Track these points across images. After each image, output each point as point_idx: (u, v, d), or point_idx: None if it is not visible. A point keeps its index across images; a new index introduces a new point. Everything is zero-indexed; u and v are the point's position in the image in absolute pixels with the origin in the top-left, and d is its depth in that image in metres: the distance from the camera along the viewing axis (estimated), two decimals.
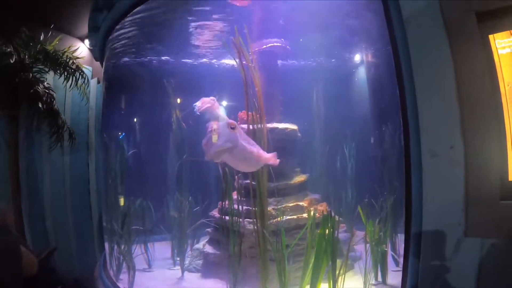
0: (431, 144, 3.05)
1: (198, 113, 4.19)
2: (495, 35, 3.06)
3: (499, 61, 3.04)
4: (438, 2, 3.07)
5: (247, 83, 4.29)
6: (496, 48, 3.06)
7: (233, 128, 3.97)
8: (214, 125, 3.82)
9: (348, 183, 6.83)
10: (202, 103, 4.32)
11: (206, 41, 6.38)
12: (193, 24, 5.74)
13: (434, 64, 3.09)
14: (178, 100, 6.48)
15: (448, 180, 3.01)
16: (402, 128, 3.24)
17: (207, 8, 5.30)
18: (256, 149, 4.19)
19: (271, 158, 4.21)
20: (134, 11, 5.10)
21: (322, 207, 5.37)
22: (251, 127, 4.43)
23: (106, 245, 5.96)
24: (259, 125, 4.41)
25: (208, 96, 4.18)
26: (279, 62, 6.30)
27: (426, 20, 3.13)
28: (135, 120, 7.51)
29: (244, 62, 4.37)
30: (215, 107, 4.36)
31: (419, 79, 3.11)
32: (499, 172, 2.90)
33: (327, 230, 3.79)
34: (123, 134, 7.23)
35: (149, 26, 5.70)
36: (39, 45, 5.78)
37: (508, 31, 3.04)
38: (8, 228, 3.58)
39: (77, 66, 6.14)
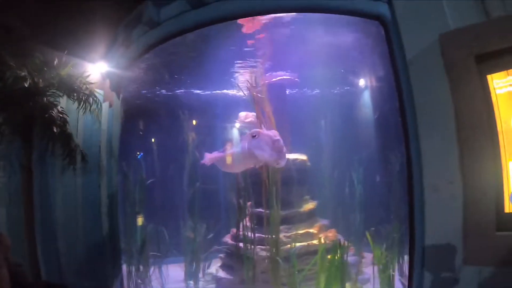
0: (433, 179, 3.26)
1: (240, 123, 4.63)
2: (493, 75, 3.25)
3: (497, 101, 3.23)
4: (439, 45, 3.29)
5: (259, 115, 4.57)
6: (494, 88, 3.25)
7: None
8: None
9: (356, 208, 6.96)
10: (246, 115, 4.83)
11: (222, 72, 6.62)
12: (209, 57, 5.99)
13: (435, 103, 3.31)
14: (193, 129, 6.73)
15: (448, 213, 3.22)
16: (406, 163, 3.44)
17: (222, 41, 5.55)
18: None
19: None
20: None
21: (331, 233, 5.54)
22: None
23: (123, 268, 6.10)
24: None
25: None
26: (288, 91, 6.52)
27: (428, 62, 3.35)
28: (150, 147, 7.76)
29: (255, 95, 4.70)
30: (255, 122, 4.88)
31: (422, 118, 3.33)
32: (495, 205, 3.09)
33: (336, 256, 3.98)
34: (141, 154, 7.43)
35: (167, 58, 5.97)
36: (53, 70, 5.94)
37: (505, 71, 3.23)
38: None
39: (90, 91, 6.25)
